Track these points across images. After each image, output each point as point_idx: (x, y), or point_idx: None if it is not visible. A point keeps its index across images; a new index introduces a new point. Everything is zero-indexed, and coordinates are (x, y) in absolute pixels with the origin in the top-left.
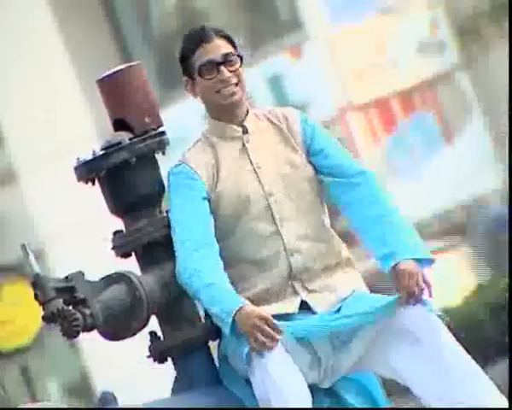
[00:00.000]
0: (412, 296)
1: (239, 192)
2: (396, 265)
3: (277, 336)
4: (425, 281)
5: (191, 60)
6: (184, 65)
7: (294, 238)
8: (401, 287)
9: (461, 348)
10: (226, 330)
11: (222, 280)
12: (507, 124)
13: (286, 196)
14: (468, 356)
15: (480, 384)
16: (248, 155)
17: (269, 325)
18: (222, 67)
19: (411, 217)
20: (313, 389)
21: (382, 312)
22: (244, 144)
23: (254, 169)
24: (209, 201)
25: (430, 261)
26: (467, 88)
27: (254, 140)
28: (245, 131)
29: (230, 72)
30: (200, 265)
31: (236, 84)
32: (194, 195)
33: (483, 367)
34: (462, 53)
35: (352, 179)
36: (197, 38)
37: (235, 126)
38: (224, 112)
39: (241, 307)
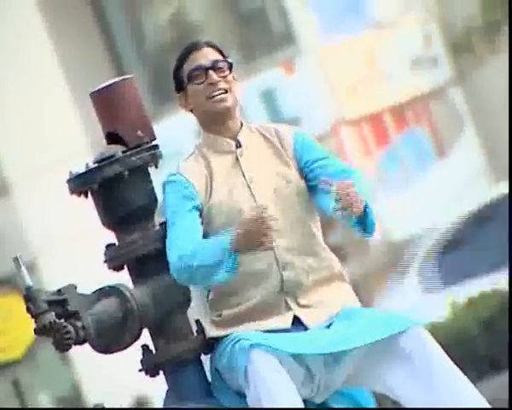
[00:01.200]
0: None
1: (232, 206)
2: None
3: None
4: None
5: (182, 69)
6: (177, 78)
7: (286, 252)
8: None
9: (451, 364)
10: (228, 266)
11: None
12: (507, 125)
13: (278, 210)
14: (460, 372)
15: (470, 401)
16: (241, 169)
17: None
18: (211, 72)
19: (404, 232)
20: (305, 403)
21: (378, 336)
22: (237, 158)
23: (247, 183)
24: (201, 212)
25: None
26: (459, 103)
27: (247, 154)
28: (238, 145)
29: (220, 77)
30: (191, 247)
31: (226, 92)
32: (188, 204)
33: (474, 383)
34: (455, 68)
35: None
36: (187, 48)
37: (228, 140)
38: (217, 123)
39: (231, 236)
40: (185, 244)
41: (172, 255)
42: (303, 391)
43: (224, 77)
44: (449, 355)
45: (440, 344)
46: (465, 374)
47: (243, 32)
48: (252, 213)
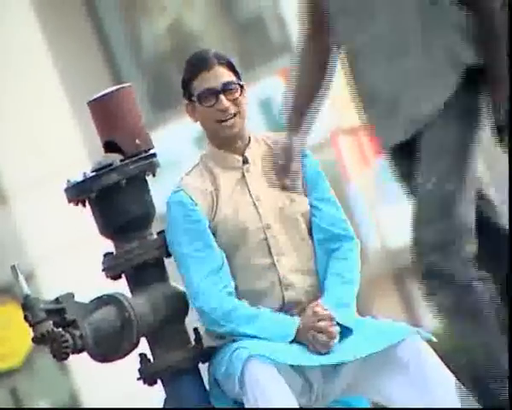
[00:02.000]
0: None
1: (237, 224)
2: None
3: (335, 333)
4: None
5: (192, 85)
6: (185, 89)
7: (289, 272)
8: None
9: (447, 372)
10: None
11: (263, 310)
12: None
13: (282, 229)
14: (454, 379)
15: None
16: (247, 186)
17: (324, 327)
18: (221, 96)
19: (403, 239)
20: None
21: (376, 348)
22: (244, 174)
23: (253, 201)
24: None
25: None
26: None
27: (254, 170)
28: (245, 161)
29: (230, 100)
30: (232, 303)
31: (236, 115)
32: (200, 228)
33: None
34: None
35: (335, 237)
36: (198, 63)
37: (236, 156)
38: (225, 143)
39: (297, 326)
40: (221, 297)
41: (203, 302)
42: (301, 400)
43: (235, 99)
44: (447, 364)
45: (438, 353)
46: (463, 384)
47: (242, 41)
48: (318, 311)
